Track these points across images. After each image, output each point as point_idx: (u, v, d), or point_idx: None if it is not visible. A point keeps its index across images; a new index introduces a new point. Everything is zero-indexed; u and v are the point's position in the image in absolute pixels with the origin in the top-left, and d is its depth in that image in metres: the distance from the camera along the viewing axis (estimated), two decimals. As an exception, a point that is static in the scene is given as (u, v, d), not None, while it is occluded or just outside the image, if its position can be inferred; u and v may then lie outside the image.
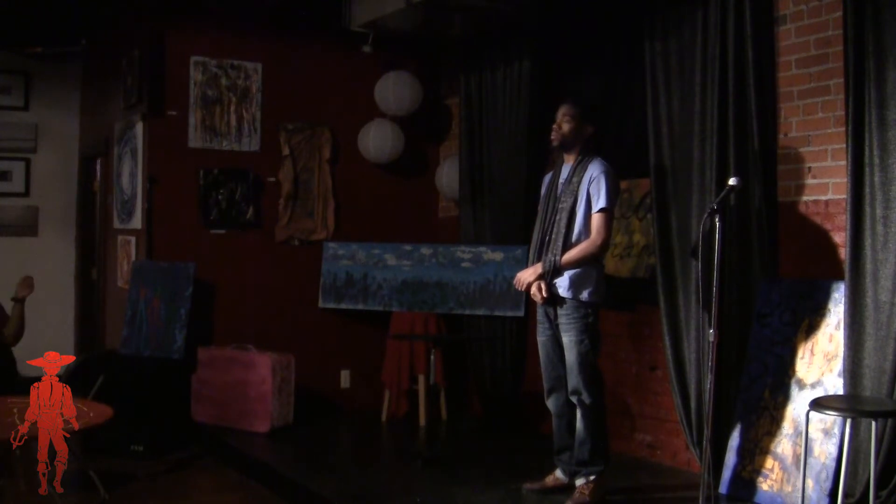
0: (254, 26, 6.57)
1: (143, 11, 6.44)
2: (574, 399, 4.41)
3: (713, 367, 3.91)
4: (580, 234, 4.38)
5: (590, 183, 4.36)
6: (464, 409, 6.72)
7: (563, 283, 4.37)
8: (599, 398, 4.42)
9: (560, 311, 4.40)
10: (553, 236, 4.40)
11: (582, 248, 4.34)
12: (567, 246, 4.35)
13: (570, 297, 4.36)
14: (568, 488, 4.50)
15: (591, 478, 4.39)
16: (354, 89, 6.82)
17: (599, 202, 4.33)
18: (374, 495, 4.66)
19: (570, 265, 4.33)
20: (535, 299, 4.47)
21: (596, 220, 4.35)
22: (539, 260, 4.45)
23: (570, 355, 4.37)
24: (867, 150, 4.01)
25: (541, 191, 4.69)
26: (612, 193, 4.36)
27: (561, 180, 4.49)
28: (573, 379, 4.37)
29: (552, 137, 4.49)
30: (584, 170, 4.40)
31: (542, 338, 4.55)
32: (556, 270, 4.35)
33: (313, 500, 4.65)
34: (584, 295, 4.36)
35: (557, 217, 4.41)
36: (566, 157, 4.52)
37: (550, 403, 4.57)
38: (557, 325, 4.43)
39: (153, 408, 5.61)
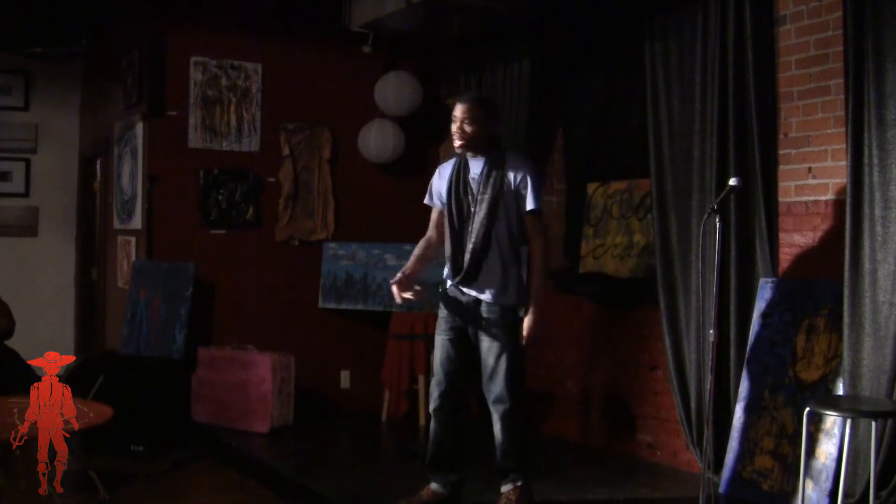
0: (254, 26, 6.57)
1: (143, 11, 6.44)
2: (497, 409, 4.14)
3: (713, 367, 3.91)
4: (504, 230, 4.11)
5: (516, 180, 4.09)
6: (464, 409, 6.70)
7: (490, 293, 4.13)
8: (523, 405, 4.21)
9: (485, 315, 4.13)
10: (472, 233, 4.12)
11: (539, 265, 4.11)
12: (490, 237, 4.08)
13: (501, 302, 4.10)
14: (448, 500, 4.28)
15: (519, 483, 4.20)
16: (354, 89, 6.82)
17: (530, 203, 4.10)
18: (374, 495, 4.66)
19: (543, 291, 4.12)
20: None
21: (530, 222, 4.14)
22: (456, 257, 4.17)
23: (495, 362, 4.09)
24: (867, 150, 4.01)
25: (433, 184, 4.36)
26: (540, 193, 4.15)
27: (472, 174, 4.17)
28: (496, 387, 4.11)
29: (456, 142, 4.14)
30: (506, 163, 4.12)
31: (443, 336, 4.25)
32: (520, 295, 4.13)
33: (313, 500, 4.65)
34: (513, 298, 4.13)
35: (475, 210, 4.12)
36: (472, 153, 4.20)
37: (446, 411, 4.27)
38: (466, 328, 4.18)
39: (153, 408, 5.60)
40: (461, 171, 4.23)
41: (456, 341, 4.22)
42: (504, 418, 4.16)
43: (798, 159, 4.52)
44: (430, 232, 4.41)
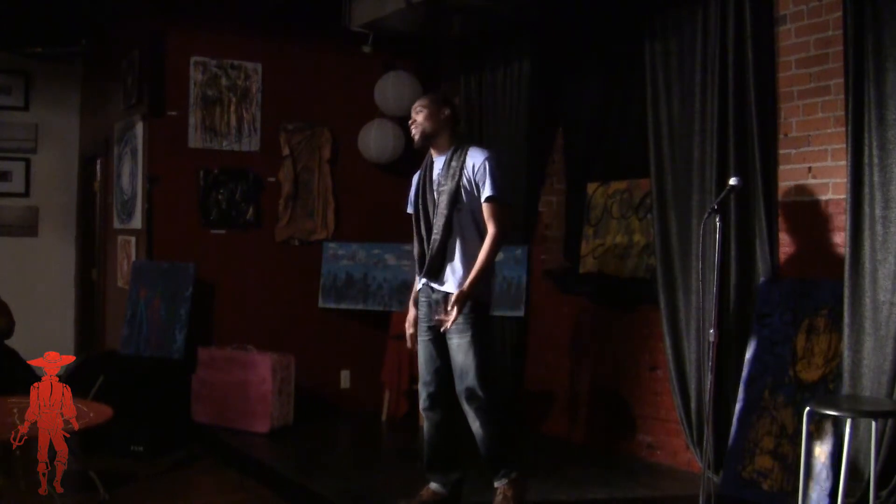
0: (254, 26, 6.57)
1: (143, 11, 6.44)
2: (472, 406, 4.11)
3: (713, 367, 3.91)
4: (467, 220, 4.10)
5: (474, 169, 4.08)
6: (456, 406, 6.70)
7: (453, 283, 4.11)
8: (497, 398, 4.19)
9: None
10: (434, 224, 4.13)
11: (485, 250, 4.04)
12: (451, 227, 4.08)
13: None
14: (448, 499, 4.30)
15: (513, 475, 4.17)
16: (354, 89, 6.82)
17: (486, 190, 4.06)
18: (374, 495, 4.66)
19: (481, 274, 4.03)
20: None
21: (487, 209, 4.08)
22: (422, 251, 4.20)
23: (465, 359, 4.08)
24: (867, 150, 4.01)
25: (410, 192, 4.38)
26: (499, 181, 4.08)
27: (436, 170, 4.20)
28: (468, 384, 4.08)
29: (413, 135, 4.22)
30: (465, 154, 4.13)
31: (423, 337, 4.26)
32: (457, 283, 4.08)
33: (313, 500, 4.65)
34: (478, 293, 4.07)
35: (437, 202, 4.13)
36: (435, 150, 4.23)
37: (436, 411, 4.26)
38: (437, 327, 4.13)
39: (153, 408, 5.60)
40: (428, 171, 4.28)
41: (435, 341, 4.22)
42: (480, 413, 4.13)
43: (798, 159, 4.52)
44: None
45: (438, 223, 4.13)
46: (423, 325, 4.27)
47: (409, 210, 4.41)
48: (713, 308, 3.90)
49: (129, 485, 4.97)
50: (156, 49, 6.31)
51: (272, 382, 5.89)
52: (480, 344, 4.10)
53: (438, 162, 4.24)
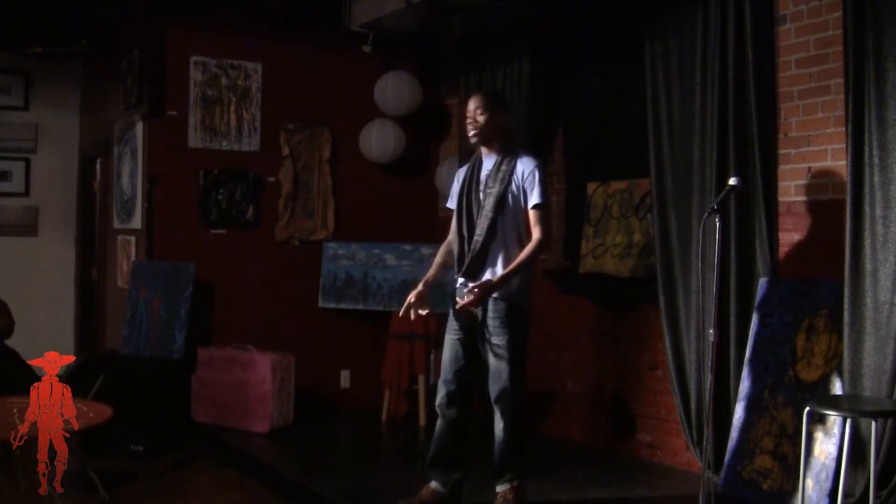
0: (254, 26, 6.57)
1: (143, 11, 6.44)
2: (500, 406, 4.16)
3: (713, 367, 3.91)
4: (511, 225, 4.15)
5: (524, 176, 4.14)
6: (470, 408, 6.70)
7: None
8: (520, 403, 4.21)
9: (490, 313, 4.12)
10: (478, 225, 4.16)
11: (528, 251, 4.11)
12: (495, 229, 4.12)
13: (505, 298, 4.11)
14: (448, 499, 4.31)
15: (515, 483, 4.21)
16: (354, 89, 6.82)
17: (534, 197, 4.13)
18: (374, 495, 4.66)
19: (516, 271, 4.08)
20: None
21: (534, 216, 4.15)
22: (462, 251, 4.21)
23: (499, 361, 4.12)
24: (867, 150, 4.01)
25: (453, 187, 4.42)
26: (546, 189, 4.18)
27: (484, 171, 4.23)
28: (502, 384, 4.11)
29: (470, 133, 4.23)
30: (515, 159, 4.18)
31: (452, 336, 4.27)
32: (501, 279, 4.09)
33: (313, 500, 4.65)
34: (518, 296, 4.14)
35: (483, 204, 4.17)
36: (485, 149, 4.27)
37: (452, 410, 4.28)
38: (474, 328, 4.17)
39: (153, 408, 5.61)
40: (475, 170, 4.30)
41: (464, 341, 4.24)
42: (506, 416, 4.18)
43: (798, 159, 4.52)
44: (451, 236, 4.42)
45: (482, 225, 4.17)
46: (453, 324, 4.29)
47: (450, 205, 4.45)
48: (713, 308, 3.90)
49: (129, 485, 4.98)
50: (156, 49, 6.32)
51: (272, 382, 5.89)
52: (516, 347, 4.14)
53: (488, 162, 4.27)
